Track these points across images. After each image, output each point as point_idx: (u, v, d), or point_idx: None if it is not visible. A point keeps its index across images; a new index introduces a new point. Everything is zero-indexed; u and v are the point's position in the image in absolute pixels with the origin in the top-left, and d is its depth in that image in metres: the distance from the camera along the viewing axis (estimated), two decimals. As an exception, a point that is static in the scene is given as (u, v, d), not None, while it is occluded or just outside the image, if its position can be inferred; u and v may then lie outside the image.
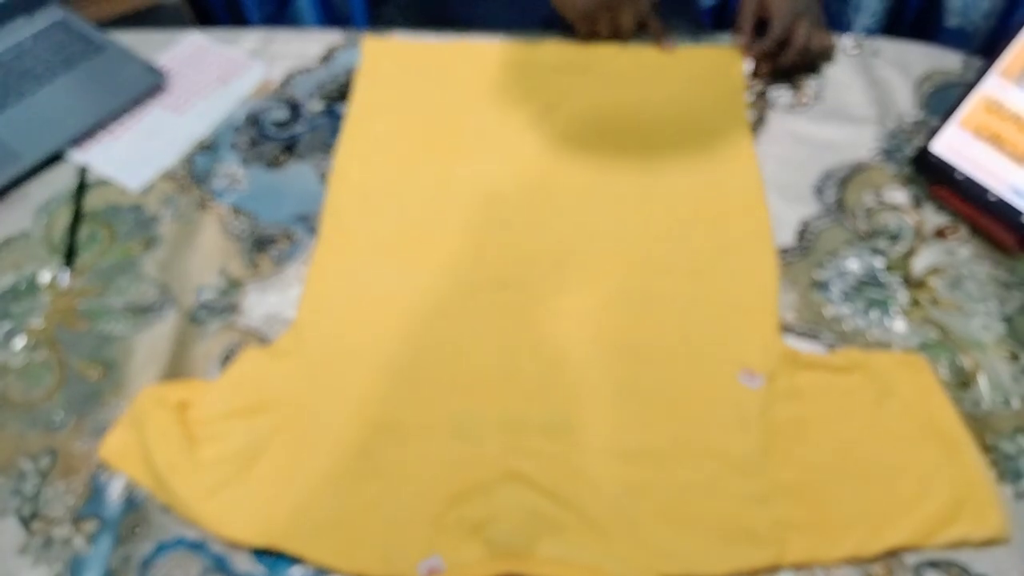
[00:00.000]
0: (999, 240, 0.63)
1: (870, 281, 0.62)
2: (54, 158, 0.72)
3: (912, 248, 0.64)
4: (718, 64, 0.77)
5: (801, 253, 0.64)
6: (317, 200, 0.69)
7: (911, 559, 0.50)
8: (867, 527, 0.50)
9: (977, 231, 0.64)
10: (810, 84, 0.76)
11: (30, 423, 0.57)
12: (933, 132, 0.66)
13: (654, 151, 0.71)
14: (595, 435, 0.55)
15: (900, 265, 0.63)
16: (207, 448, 0.54)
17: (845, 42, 0.79)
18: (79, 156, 0.73)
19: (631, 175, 0.69)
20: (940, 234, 0.65)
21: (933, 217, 0.66)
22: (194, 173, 0.72)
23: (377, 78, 0.77)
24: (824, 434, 0.54)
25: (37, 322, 0.63)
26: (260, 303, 0.63)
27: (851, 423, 0.55)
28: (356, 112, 0.74)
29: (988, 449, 0.54)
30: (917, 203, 0.67)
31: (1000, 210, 0.63)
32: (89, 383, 0.59)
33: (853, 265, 0.63)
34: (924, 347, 0.59)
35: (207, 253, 0.66)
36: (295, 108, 0.76)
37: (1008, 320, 0.60)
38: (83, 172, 0.72)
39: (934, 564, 0.50)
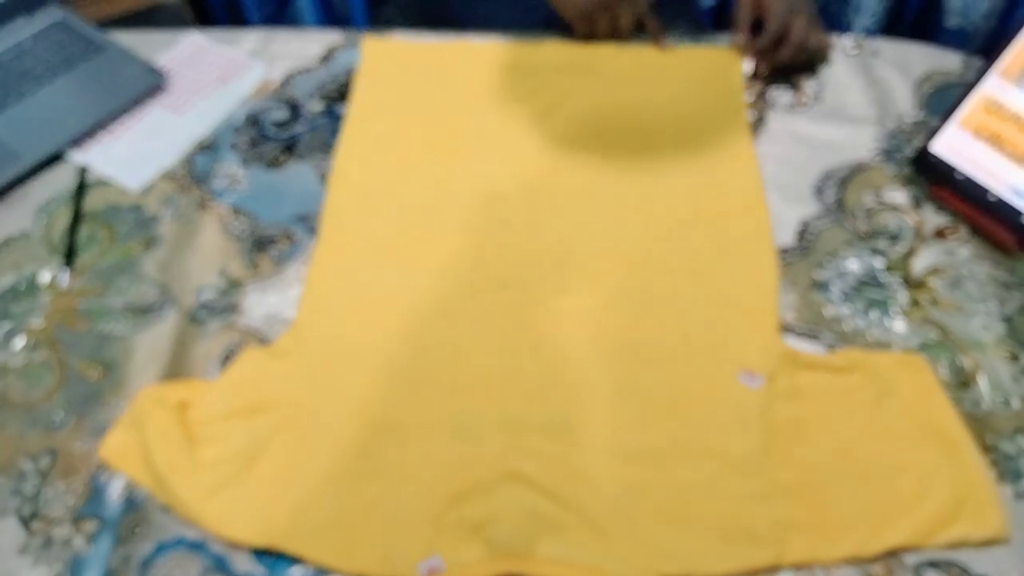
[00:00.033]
0: (999, 240, 0.63)
1: (870, 281, 0.62)
2: (54, 158, 0.72)
3: (912, 248, 0.64)
4: (718, 64, 0.77)
5: (801, 253, 0.64)
6: (317, 200, 0.69)
7: (911, 559, 0.50)
8: (867, 527, 0.50)
9: (977, 231, 0.64)
10: (810, 84, 0.76)
11: (30, 423, 0.57)
12: (933, 132, 0.66)
13: (654, 151, 0.71)
14: (595, 435, 0.55)
15: (900, 265, 0.63)
16: (207, 448, 0.54)
17: (845, 42, 0.79)
18: (79, 156, 0.73)
19: (631, 175, 0.69)
20: (940, 234, 0.65)
21: (933, 217, 0.66)
22: (194, 173, 0.72)
23: (377, 78, 0.77)
24: (824, 434, 0.54)
25: (37, 322, 0.63)
26: (260, 303, 0.63)
27: (851, 423, 0.55)
28: (356, 112, 0.74)
29: (988, 449, 0.54)
30: (917, 203, 0.67)
31: (1000, 210, 0.63)
32: (89, 383, 0.59)
33: (853, 265, 0.63)
34: (924, 347, 0.59)
35: (207, 253, 0.66)
36: (295, 108, 0.76)
37: (1008, 320, 0.60)
38: (83, 172, 0.72)
39: (934, 564, 0.50)
